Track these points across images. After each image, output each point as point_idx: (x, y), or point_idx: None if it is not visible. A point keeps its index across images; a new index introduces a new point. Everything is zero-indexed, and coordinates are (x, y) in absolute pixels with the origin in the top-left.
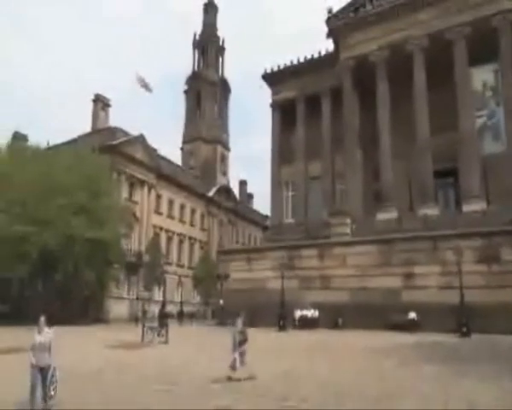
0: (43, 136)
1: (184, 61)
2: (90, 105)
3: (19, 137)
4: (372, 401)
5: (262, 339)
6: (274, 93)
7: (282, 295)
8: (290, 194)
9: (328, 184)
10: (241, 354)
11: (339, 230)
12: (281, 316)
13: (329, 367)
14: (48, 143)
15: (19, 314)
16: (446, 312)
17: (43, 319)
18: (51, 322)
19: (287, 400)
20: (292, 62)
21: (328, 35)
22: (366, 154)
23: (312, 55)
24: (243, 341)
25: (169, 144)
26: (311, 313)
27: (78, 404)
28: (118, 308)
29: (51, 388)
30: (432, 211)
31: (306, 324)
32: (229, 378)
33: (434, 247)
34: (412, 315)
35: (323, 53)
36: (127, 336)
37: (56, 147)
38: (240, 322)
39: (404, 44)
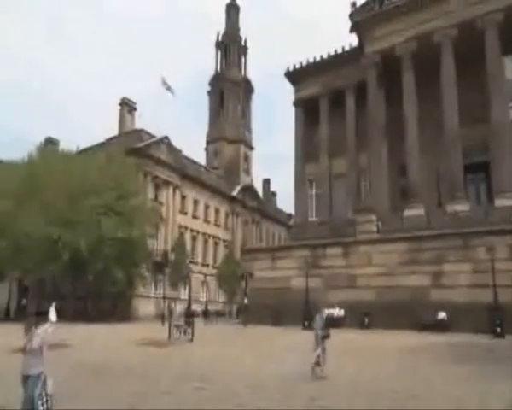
0: (73, 139)
1: (207, 62)
2: (117, 108)
3: (51, 142)
4: (401, 401)
5: (286, 338)
6: (297, 91)
7: (306, 294)
8: (314, 192)
9: (352, 181)
10: (323, 351)
11: (364, 227)
12: (305, 315)
13: (357, 367)
14: (78, 147)
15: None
16: (478, 312)
17: (32, 318)
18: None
19: (315, 400)
20: (315, 59)
21: (352, 29)
22: (392, 149)
23: (336, 51)
24: (325, 336)
25: (192, 145)
26: (337, 312)
27: (109, 399)
28: (145, 307)
29: (39, 403)
30: (462, 207)
31: (331, 323)
32: (316, 376)
33: (465, 244)
34: (442, 315)
35: (347, 48)
36: (154, 334)
37: (86, 150)
38: (320, 318)
39: (432, 35)
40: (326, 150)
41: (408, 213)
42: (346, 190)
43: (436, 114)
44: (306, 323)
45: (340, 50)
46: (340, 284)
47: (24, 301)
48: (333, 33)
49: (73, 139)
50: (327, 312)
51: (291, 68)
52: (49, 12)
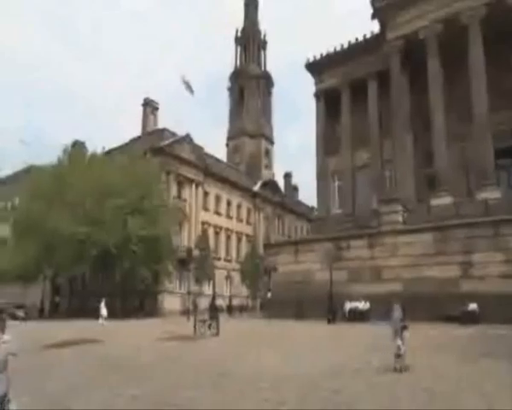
0: (101, 140)
1: (226, 60)
2: (141, 109)
3: (78, 145)
4: (429, 398)
5: (311, 333)
6: (317, 82)
7: (330, 287)
8: (337, 184)
9: (376, 171)
10: (403, 342)
11: (389, 218)
12: (330, 308)
13: (383, 361)
14: (103, 149)
15: (82, 309)
16: (510, 303)
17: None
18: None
19: (338, 393)
20: (335, 49)
21: (374, 16)
22: (417, 137)
23: (357, 39)
24: (404, 327)
25: (213, 141)
26: (362, 304)
27: (133, 391)
28: (171, 302)
29: None
30: (493, 194)
31: (357, 316)
32: (396, 369)
33: (496, 233)
34: (472, 306)
35: (368, 36)
36: (180, 328)
37: (111, 151)
38: (397, 309)
39: (458, 17)
40: (348, 142)
41: (435, 202)
42: (369, 181)
43: (463, 99)
44: (331, 316)
45: (360, 39)
46: (365, 276)
47: (57, 299)
48: (353, 22)
49: (102, 140)
50: (350, 305)
51: (311, 59)
52: (64, 11)
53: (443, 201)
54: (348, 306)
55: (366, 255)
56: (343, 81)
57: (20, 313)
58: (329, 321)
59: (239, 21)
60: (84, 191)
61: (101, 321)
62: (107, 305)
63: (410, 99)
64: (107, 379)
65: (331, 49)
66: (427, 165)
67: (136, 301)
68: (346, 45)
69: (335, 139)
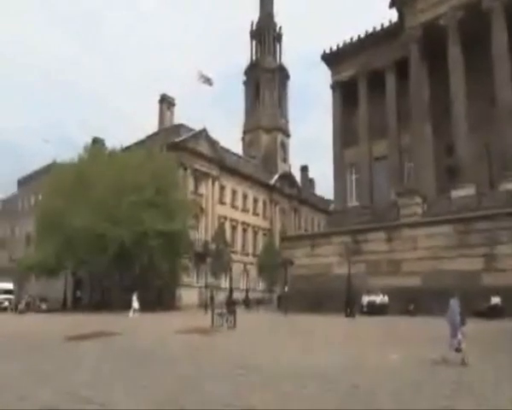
0: (118, 137)
1: (240, 56)
2: (157, 105)
3: (97, 142)
4: (449, 393)
5: (328, 326)
6: (334, 73)
7: (348, 281)
8: (354, 176)
9: (394, 163)
10: (463, 337)
11: (408, 210)
12: (347, 302)
13: (403, 356)
14: (121, 145)
15: (103, 303)
16: None
17: None
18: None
19: (357, 388)
20: (351, 39)
21: (392, 4)
22: (437, 127)
23: (374, 29)
24: (463, 320)
25: (227, 136)
26: (380, 298)
27: (152, 383)
28: (188, 296)
29: None
30: None
31: (375, 310)
32: (464, 363)
33: None
34: (496, 300)
35: (386, 25)
36: (198, 322)
37: (129, 148)
38: (455, 303)
39: (480, 2)
40: (366, 133)
41: (456, 193)
42: (387, 173)
43: (486, 88)
44: (348, 310)
45: (378, 28)
46: (383, 269)
47: (78, 293)
48: (370, 13)
49: (121, 137)
50: (368, 298)
51: (327, 51)
52: (85, 9)
53: (464, 192)
54: (366, 299)
55: (384, 248)
56: (360, 72)
57: (44, 306)
58: (347, 315)
59: (253, 16)
60: (103, 187)
61: (131, 313)
62: (126, 298)
63: (429, 88)
64: (128, 371)
65: (347, 40)
66: (447, 155)
67: (155, 295)
68: (362, 35)
69: (352, 131)
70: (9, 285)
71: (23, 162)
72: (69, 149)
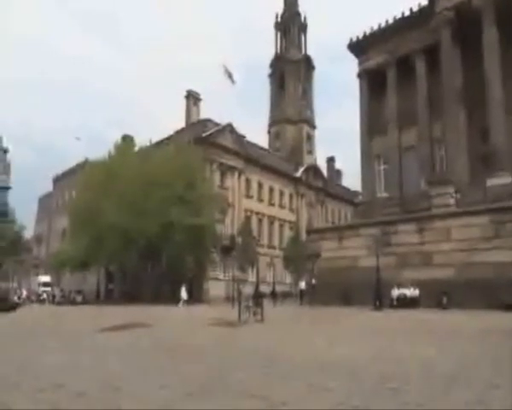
0: (147, 134)
1: (263, 49)
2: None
3: (127, 139)
4: (482, 389)
5: (357, 319)
6: (361, 61)
7: (377, 273)
8: (382, 167)
9: (425, 152)
10: None
11: (440, 201)
12: (376, 295)
13: (434, 350)
14: (150, 141)
15: (133, 295)
16: None
17: None
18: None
19: (385, 381)
20: (379, 26)
21: None
22: (470, 114)
23: (403, 14)
24: None
25: (252, 130)
26: (411, 291)
27: (180, 374)
28: (215, 289)
29: None
30: None
31: (405, 303)
32: None
33: None
34: None
35: (415, 9)
36: (225, 314)
37: (157, 144)
38: None
39: None
40: (394, 122)
41: (491, 182)
42: (417, 162)
43: None
44: (377, 303)
45: (406, 13)
46: (414, 261)
47: (110, 286)
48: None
49: (149, 133)
50: (398, 291)
51: (354, 39)
52: (105, 10)
53: (500, 180)
54: (396, 292)
55: (415, 240)
56: (388, 59)
57: (78, 298)
58: (376, 308)
59: (277, 8)
60: (132, 183)
61: (181, 304)
62: (153, 291)
63: (462, 73)
64: (159, 361)
65: (375, 27)
66: (482, 142)
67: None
68: (391, 21)
69: (380, 120)
70: (47, 278)
71: (60, 161)
72: (101, 147)
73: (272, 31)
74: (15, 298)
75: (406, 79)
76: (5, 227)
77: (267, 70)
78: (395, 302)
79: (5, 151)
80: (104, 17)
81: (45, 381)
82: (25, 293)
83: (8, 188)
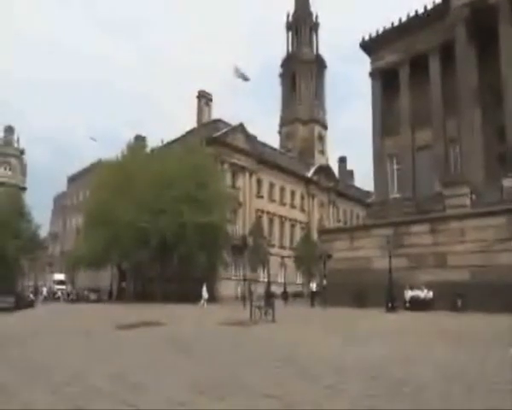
0: (159, 134)
1: (273, 50)
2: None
3: (139, 139)
4: (504, 395)
5: (369, 321)
6: (373, 60)
7: (389, 275)
8: (395, 167)
9: (439, 152)
10: None
11: (455, 201)
12: (389, 296)
13: (449, 354)
14: (162, 141)
15: (145, 294)
16: None
17: None
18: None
19: (401, 383)
20: (392, 24)
21: None
22: (486, 113)
23: (416, 12)
24: None
25: (262, 130)
26: (424, 293)
27: (192, 372)
28: (226, 288)
29: None
30: None
31: (418, 305)
32: None
33: None
34: None
35: (429, 7)
36: (236, 314)
37: (169, 144)
38: None
39: None
40: (408, 122)
41: (508, 182)
42: (431, 162)
43: None
44: (390, 304)
45: (420, 11)
46: (428, 263)
47: (123, 284)
48: None
49: (161, 133)
50: (411, 293)
51: (366, 38)
52: (127, 14)
53: None
54: (409, 294)
55: (429, 241)
56: (402, 57)
57: (92, 296)
58: (389, 309)
59: (289, 7)
60: (144, 182)
61: (202, 303)
62: (164, 290)
63: (477, 71)
64: (172, 358)
65: (388, 25)
66: (498, 142)
67: (194, 287)
68: (404, 19)
69: (393, 120)
70: (62, 276)
71: (75, 161)
72: (115, 147)
73: (284, 30)
74: (31, 295)
75: (419, 78)
76: (22, 226)
77: (277, 70)
78: (408, 304)
79: (21, 152)
80: (125, 21)
81: (60, 375)
82: (45, 291)
83: (24, 188)
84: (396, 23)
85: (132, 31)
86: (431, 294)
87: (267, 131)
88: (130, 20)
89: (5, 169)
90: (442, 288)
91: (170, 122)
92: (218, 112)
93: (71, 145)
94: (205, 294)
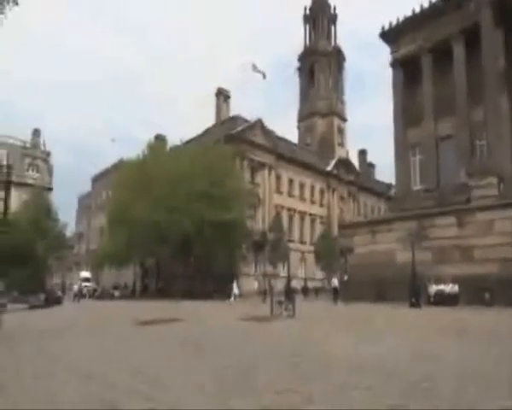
0: (178, 132)
1: (289, 45)
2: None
3: (159, 139)
4: None
5: (392, 316)
6: (394, 50)
7: (412, 269)
8: (418, 158)
9: (464, 141)
10: None
11: (482, 192)
12: (412, 291)
13: (477, 351)
14: (181, 140)
15: (166, 290)
16: None
17: None
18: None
19: (419, 381)
20: (413, 12)
21: None
22: None
23: None
24: None
25: (280, 125)
26: (450, 287)
27: (212, 367)
28: (247, 284)
29: None
30: None
31: (443, 299)
32: None
33: None
34: None
35: None
36: (257, 310)
37: (189, 142)
38: None
39: None
40: (430, 111)
41: None
42: (455, 152)
43: None
44: (414, 299)
45: None
46: (453, 256)
47: (145, 281)
48: None
49: (180, 132)
50: (436, 287)
51: (386, 27)
52: (139, 16)
53: None
54: (434, 288)
55: (454, 234)
56: (423, 45)
57: (116, 293)
58: (412, 304)
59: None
60: (163, 181)
61: (232, 298)
62: (185, 287)
63: (504, 56)
64: (192, 353)
65: (409, 13)
66: None
67: (214, 284)
68: (426, 5)
69: (415, 110)
70: (88, 274)
71: (99, 161)
72: (135, 148)
73: (294, 27)
74: (59, 293)
75: (442, 66)
76: (49, 226)
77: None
78: (433, 299)
79: (48, 154)
80: (136, 24)
81: (77, 371)
82: (76, 288)
83: (50, 189)
84: (417, 10)
85: (140, 31)
86: (457, 288)
87: (283, 127)
88: (137, 22)
89: (33, 171)
90: (468, 282)
91: (185, 121)
92: (234, 109)
93: (94, 145)
94: (236, 290)
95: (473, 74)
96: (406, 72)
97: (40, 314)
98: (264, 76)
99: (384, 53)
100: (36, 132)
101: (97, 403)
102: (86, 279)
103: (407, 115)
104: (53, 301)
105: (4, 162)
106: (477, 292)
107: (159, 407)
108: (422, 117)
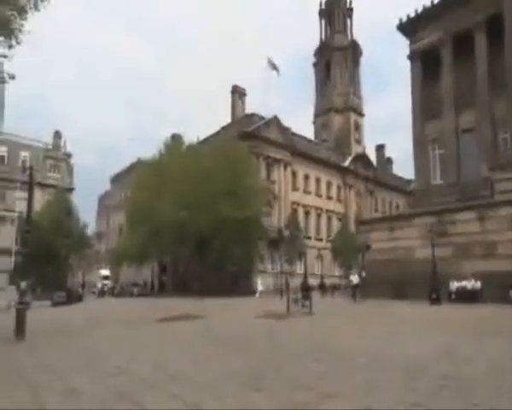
0: (195, 131)
1: (304, 40)
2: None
3: (176, 137)
4: None
5: (411, 314)
6: (412, 42)
7: (433, 265)
8: (437, 152)
9: (486, 134)
10: None
11: (506, 186)
12: (433, 288)
13: (501, 350)
14: (198, 138)
15: (184, 288)
16: None
17: None
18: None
19: (445, 378)
20: (432, 2)
21: None
22: None
23: None
24: None
25: (295, 122)
26: (472, 284)
27: (232, 365)
28: (263, 281)
29: None
30: None
31: (465, 296)
32: None
33: None
34: None
35: None
36: (274, 307)
37: (205, 140)
38: None
39: None
40: (451, 104)
41: None
42: (477, 145)
43: None
44: (434, 296)
45: None
46: (475, 252)
47: (163, 279)
48: None
49: (197, 130)
50: (457, 284)
51: (404, 19)
52: (161, 17)
53: None
54: (455, 285)
55: (476, 229)
56: (443, 36)
57: (135, 290)
58: (433, 301)
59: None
60: (181, 179)
61: (257, 294)
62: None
63: None
64: (212, 350)
65: (427, 3)
66: None
67: (231, 281)
68: None
69: (434, 103)
70: (107, 272)
71: (118, 161)
72: (152, 146)
73: (309, 21)
74: (80, 290)
75: (462, 57)
76: (71, 226)
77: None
78: (454, 296)
79: (69, 156)
80: (156, 23)
81: (106, 364)
82: (100, 286)
83: (72, 189)
84: (436, 0)
85: (161, 31)
86: (479, 284)
87: (297, 123)
88: (158, 21)
89: (55, 172)
90: (490, 278)
91: (207, 118)
92: (249, 106)
93: (116, 145)
94: (260, 286)
95: (496, 64)
96: (425, 64)
97: (62, 311)
98: (278, 72)
99: (402, 45)
100: (57, 134)
101: (121, 396)
102: (106, 277)
103: (426, 109)
104: (74, 298)
105: (28, 164)
106: (500, 289)
107: (180, 403)
108: (442, 110)
